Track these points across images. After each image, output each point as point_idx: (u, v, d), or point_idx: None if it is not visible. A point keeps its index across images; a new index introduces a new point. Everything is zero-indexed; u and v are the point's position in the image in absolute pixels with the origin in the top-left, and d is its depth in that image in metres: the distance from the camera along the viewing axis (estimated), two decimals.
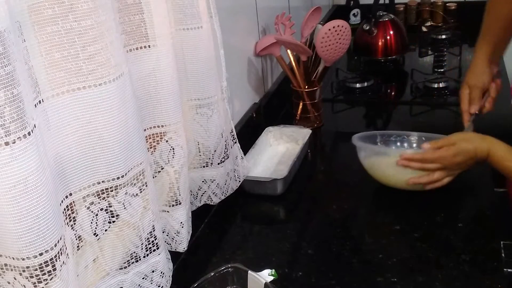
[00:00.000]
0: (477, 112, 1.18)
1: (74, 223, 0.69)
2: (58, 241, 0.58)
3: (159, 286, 0.84)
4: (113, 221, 0.74)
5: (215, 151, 1.03)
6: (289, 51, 1.48)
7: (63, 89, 0.63)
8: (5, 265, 0.58)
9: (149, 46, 0.80)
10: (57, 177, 0.64)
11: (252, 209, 1.18)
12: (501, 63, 1.82)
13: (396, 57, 1.88)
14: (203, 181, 1.06)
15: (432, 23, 2.25)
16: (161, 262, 0.83)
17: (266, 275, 0.92)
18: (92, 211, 0.71)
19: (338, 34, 1.39)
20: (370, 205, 1.16)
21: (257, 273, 0.86)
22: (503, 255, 0.93)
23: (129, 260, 0.79)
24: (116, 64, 0.65)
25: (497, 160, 0.99)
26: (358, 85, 1.76)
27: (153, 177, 0.87)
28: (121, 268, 0.78)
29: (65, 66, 0.62)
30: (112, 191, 0.71)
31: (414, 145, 1.22)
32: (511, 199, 1.12)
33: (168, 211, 0.92)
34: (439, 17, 2.24)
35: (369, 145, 1.15)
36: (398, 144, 1.24)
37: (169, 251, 0.91)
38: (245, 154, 1.18)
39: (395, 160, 1.07)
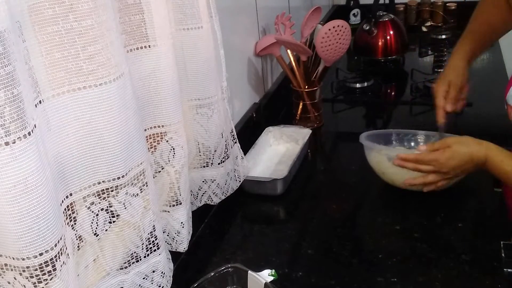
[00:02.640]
0: (451, 110, 1.18)
1: (75, 223, 0.69)
2: (58, 241, 0.58)
3: (159, 286, 0.84)
4: (114, 221, 0.74)
5: (215, 151, 1.03)
6: (289, 51, 1.48)
7: (63, 89, 0.63)
8: (5, 265, 0.58)
9: (149, 46, 0.80)
10: (57, 177, 0.64)
11: (252, 209, 1.18)
12: (500, 62, 1.82)
13: (396, 57, 1.89)
14: (203, 181, 1.06)
15: (432, 23, 2.25)
16: (161, 262, 0.83)
17: (266, 275, 0.92)
18: (92, 211, 0.71)
19: (338, 34, 1.39)
20: (370, 205, 1.16)
21: (257, 273, 0.86)
22: (503, 255, 0.93)
23: (129, 260, 0.79)
24: (116, 64, 0.65)
25: (496, 165, 0.96)
26: (358, 85, 1.76)
27: (154, 177, 0.86)
28: (122, 268, 0.78)
29: (65, 66, 0.62)
30: (112, 191, 0.71)
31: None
32: (506, 198, 1.11)
33: (168, 211, 0.92)
34: (439, 17, 2.24)
35: (372, 143, 1.15)
36: (412, 143, 1.24)
37: (169, 251, 0.91)
38: (245, 154, 1.18)
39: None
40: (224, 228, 1.11)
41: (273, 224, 1.13)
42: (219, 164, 1.05)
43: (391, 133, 1.26)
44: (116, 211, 0.73)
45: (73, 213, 0.69)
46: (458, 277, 0.91)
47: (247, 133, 1.33)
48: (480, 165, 0.98)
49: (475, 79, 1.70)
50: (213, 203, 1.10)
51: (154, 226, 0.80)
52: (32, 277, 0.58)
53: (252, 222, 1.14)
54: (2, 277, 0.59)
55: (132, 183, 0.73)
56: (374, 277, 0.93)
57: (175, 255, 0.95)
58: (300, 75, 1.47)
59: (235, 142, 1.12)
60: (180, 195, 0.92)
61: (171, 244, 0.95)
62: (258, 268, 0.93)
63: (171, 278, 0.89)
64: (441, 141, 1.03)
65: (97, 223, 0.72)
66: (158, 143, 0.89)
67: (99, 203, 0.71)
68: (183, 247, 0.96)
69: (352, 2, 2.34)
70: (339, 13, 2.38)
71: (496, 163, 0.96)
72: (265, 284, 0.82)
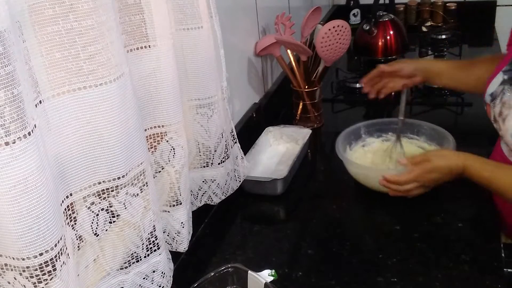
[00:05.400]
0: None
1: (75, 223, 0.69)
2: (59, 241, 0.58)
3: (160, 286, 0.84)
4: (114, 221, 0.74)
5: (215, 151, 1.03)
6: (289, 51, 1.48)
7: (63, 89, 0.63)
8: (5, 265, 0.58)
9: (149, 46, 0.80)
10: (57, 177, 0.64)
11: (252, 209, 1.18)
12: None
13: (396, 57, 1.88)
14: (203, 181, 1.06)
15: (432, 23, 2.25)
16: (162, 262, 0.83)
17: (266, 275, 0.92)
18: (92, 211, 0.71)
19: (338, 34, 1.39)
20: (370, 205, 1.16)
21: (257, 273, 0.86)
22: (503, 255, 0.93)
23: (129, 260, 0.79)
24: (116, 64, 0.65)
25: (474, 173, 0.99)
26: (358, 85, 1.76)
27: (154, 177, 0.87)
28: (122, 268, 0.78)
29: (65, 66, 0.62)
30: (112, 191, 0.71)
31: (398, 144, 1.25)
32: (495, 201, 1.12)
33: (168, 211, 0.92)
34: (439, 17, 2.24)
35: (350, 160, 1.17)
36: (382, 134, 1.31)
37: (169, 251, 0.91)
38: (245, 154, 1.18)
39: (375, 176, 1.09)
40: (224, 228, 1.11)
41: (273, 224, 1.13)
42: (219, 164, 1.05)
43: (359, 127, 1.30)
44: (116, 211, 0.73)
45: (73, 213, 0.69)
46: (458, 277, 0.91)
47: (247, 133, 1.33)
48: (459, 174, 1.02)
49: None
50: (213, 203, 1.10)
51: (154, 226, 0.80)
52: (32, 277, 0.58)
53: (252, 222, 1.14)
54: (2, 277, 0.59)
55: (132, 183, 0.73)
56: (374, 277, 0.93)
57: (175, 255, 0.95)
58: (300, 75, 1.47)
59: (235, 142, 1.12)
60: (180, 195, 0.92)
61: (171, 244, 0.95)
62: (258, 268, 0.93)
63: (171, 278, 0.89)
64: (422, 154, 1.08)
65: (97, 223, 0.72)
66: (158, 143, 0.89)
67: (99, 203, 0.71)
68: (183, 247, 0.96)
69: (352, 2, 2.34)
70: (339, 13, 2.38)
71: (475, 171, 1.00)
72: (265, 284, 0.82)
